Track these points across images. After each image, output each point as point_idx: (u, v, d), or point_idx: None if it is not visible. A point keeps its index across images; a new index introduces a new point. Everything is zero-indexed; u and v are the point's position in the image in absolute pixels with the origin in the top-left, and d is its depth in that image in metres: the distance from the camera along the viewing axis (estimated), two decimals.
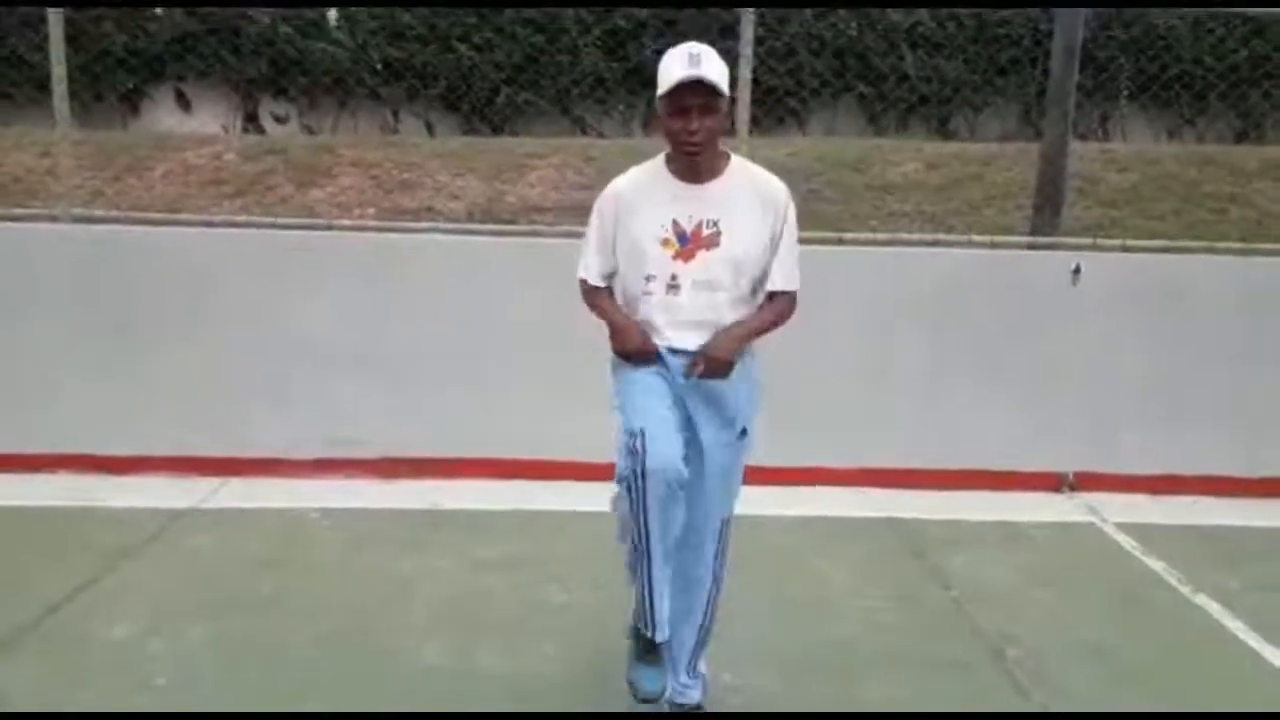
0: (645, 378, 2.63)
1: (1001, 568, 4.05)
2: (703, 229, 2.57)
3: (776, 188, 2.66)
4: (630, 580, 2.68)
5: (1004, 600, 3.74)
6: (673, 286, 2.58)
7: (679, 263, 2.57)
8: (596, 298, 2.74)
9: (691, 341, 2.59)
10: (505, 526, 4.29)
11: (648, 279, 2.59)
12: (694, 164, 2.59)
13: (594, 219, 2.72)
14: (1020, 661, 3.27)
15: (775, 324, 2.70)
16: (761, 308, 2.68)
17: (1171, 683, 3.20)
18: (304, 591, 3.65)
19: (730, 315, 2.60)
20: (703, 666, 2.85)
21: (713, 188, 2.61)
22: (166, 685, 2.98)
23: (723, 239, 2.57)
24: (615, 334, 2.64)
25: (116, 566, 3.79)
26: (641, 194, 2.64)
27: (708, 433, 2.65)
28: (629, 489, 2.53)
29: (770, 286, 2.67)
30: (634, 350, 2.61)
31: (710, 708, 2.86)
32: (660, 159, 2.68)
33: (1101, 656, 3.33)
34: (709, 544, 2.74)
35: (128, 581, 3.69)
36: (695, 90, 2.46)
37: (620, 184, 2.70)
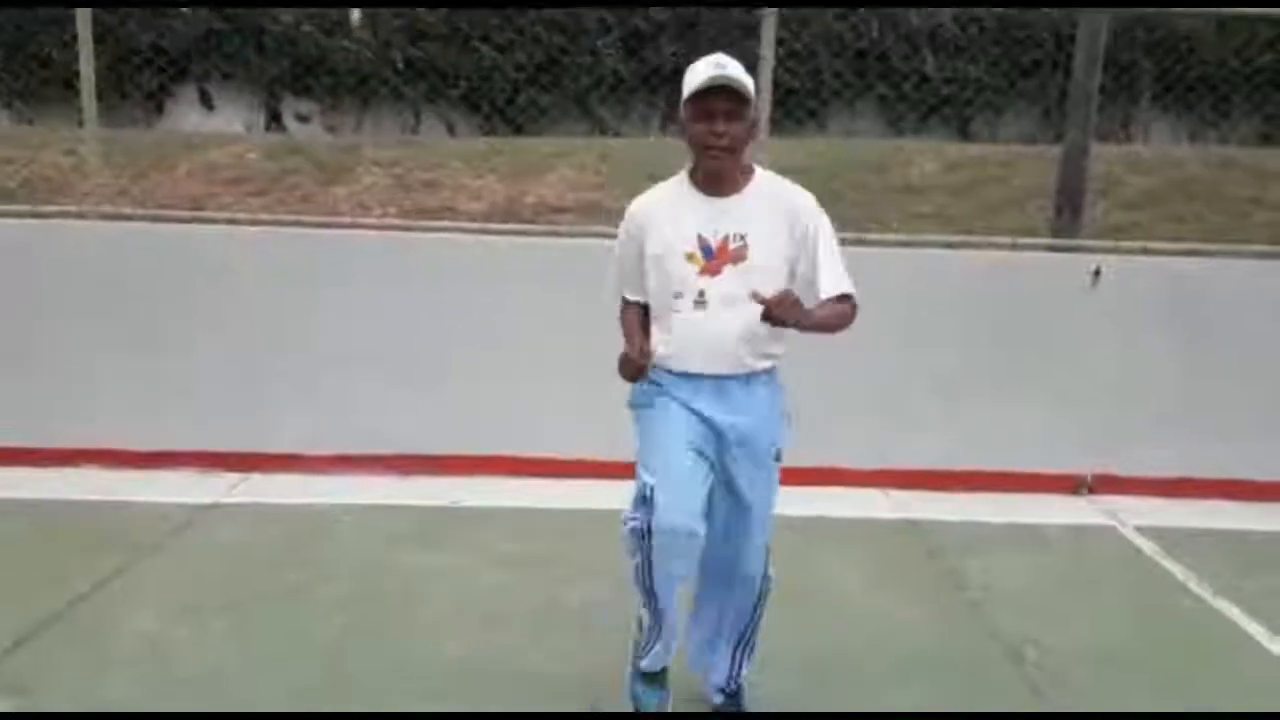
0: (670, 416, 2.59)
1: (1019, 570, 4.04)
2: (729, 243, 2.53)
3: (803, 199, 2.62)
4: (639, 599, 2.72)
5: (1021, 603, 3.74)
6: (700, 303, 2.53)
7: (705, 278, 2.53)
8: (624, 315, 2.76)
9: (715, 369, 2.57)
10: (524, 524, 4.32)
11: (675, 296, 2.55)
12: (718, 174, 2.56)
13: (618, 240, 2.73)
14: (1038, 664, 3.27)
15: (836, 324, 2.59)
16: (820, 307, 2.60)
17: (1190, 687, 3.19)
18: (326, 585, 3.69)
19: (749, 339, 2.55)
20: (745, 672, 2.88)
21: (737, 200, 2.57)
22: (192, 676, 3.02)
23: (750, 253, 2.53)
24: (621, 362, 2.60)
25: (142, 560, 3.83)
26: (663, 209, 2.61)
27: (744, 469, 2.63)
28: (639, 540, 2.56)
29: (821, 293, 2.59)
30: (630, 371, 2.57)
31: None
32: (682, 174, 2.65)
33: (1120, 660, 3.33)
34: (754, 569, 2.73)
35: (153, 574, 3.74)
36: (721, 94, 2.45)
37: (640, 201, 2.68)
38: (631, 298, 2.73)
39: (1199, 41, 8.27)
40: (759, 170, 2.65)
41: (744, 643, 2.84)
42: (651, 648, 2.76)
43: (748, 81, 2.48)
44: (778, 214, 2.58)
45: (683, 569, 2.62)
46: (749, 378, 2.60)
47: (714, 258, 2.53)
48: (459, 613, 3.50)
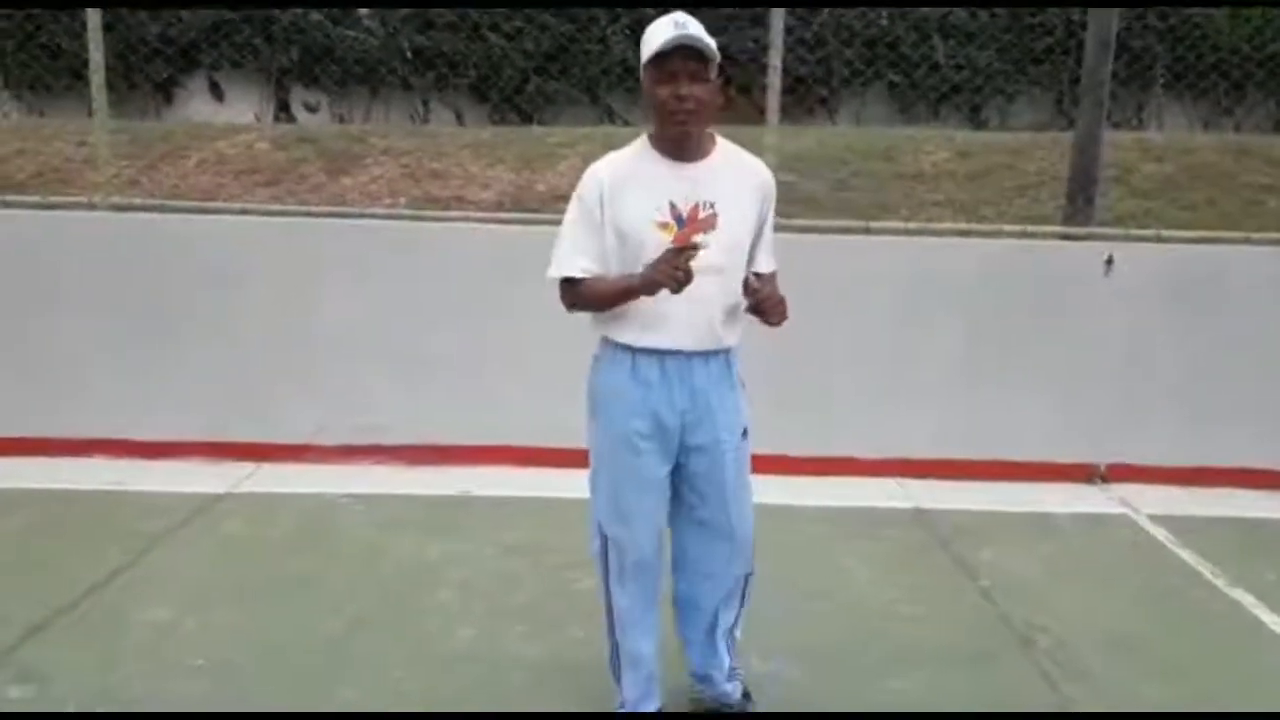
0: (628, 455, 2.55)
1: (1031, 559, 4.03)
2: (699, 210, 2.44)
3: (764, 169, 2.60)
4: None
5: (1033, 592, 3.72)
6: None
7: None
8: (586, 288, 2.51)
9: (686, 342, 2.49)
10: (530, 512, 4.32)
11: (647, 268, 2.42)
12: (684, 139, 2.44)
13: (574, 209, 2.52)
14: (1050, 653, 3.25)
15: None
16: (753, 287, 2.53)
17: (1205, 676, 3.17)
18: (335, 575, 3.69)
19: (721, 309, 2.48)
20: (734, 661, 2.83)
21: (704, 166, 2.49)
22: (203, 666, 3.03)
23: (720, 220, 2.45)
24: (643, 288, 2.39)
25: (151, 550, 3.84)
26: (628, 176, 2.47)
27: (709, 454, 2.57)
28: (603, 563, 2.65)
29: (759, 269, 2.59)
30: (679, 274, 2.31)
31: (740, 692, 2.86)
32: (642, 140, 2.54)
33: (1133, 648, 3.31)
34: (736, 558, 2.68)
35: (163, 565, 3.74)
36: (683, 54, 2.35)
37: (601, 168, 2.51)
38: (585, 274, 2.50)
39: (1212, 28, 8.19)
40: (718, 138, 2.56)
41: (729, 631, 2.78)
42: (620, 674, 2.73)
43: (710, 40, 2.37)
44: (746, 185, 2.53)
45: (643, 593, 2.65)
46: (711, 356, 2.53)
47: (686, 226, 2.43)
48: (468, 601, 3.50)
